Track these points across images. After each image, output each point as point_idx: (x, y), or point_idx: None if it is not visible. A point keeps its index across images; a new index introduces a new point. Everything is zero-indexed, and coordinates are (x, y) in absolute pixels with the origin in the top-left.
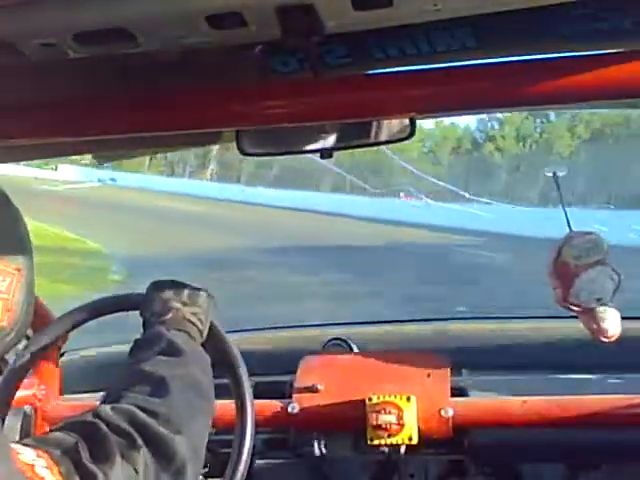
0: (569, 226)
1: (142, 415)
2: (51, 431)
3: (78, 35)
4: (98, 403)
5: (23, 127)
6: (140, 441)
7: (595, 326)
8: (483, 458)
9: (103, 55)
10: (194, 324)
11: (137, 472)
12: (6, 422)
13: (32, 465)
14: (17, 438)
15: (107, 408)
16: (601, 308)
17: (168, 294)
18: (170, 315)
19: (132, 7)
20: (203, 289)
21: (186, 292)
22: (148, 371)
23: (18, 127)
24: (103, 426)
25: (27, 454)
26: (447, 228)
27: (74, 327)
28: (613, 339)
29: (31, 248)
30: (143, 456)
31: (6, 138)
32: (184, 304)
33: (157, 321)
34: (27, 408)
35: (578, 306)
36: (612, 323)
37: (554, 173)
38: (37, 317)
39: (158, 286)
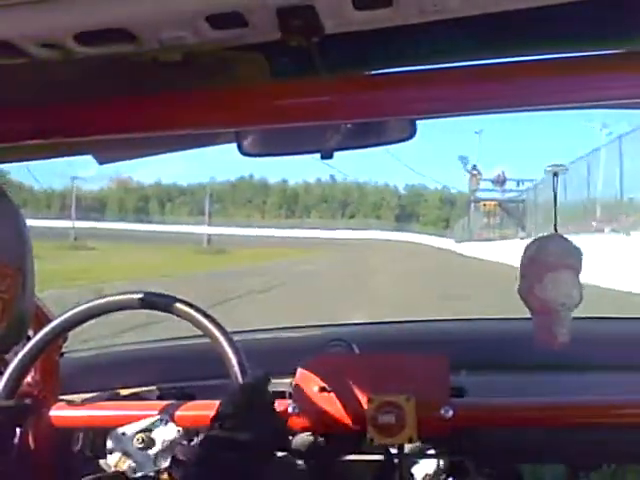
0: (555, 228)
1: None
2: None
3: (78, 35)
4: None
5: (23, 127)
6: None
7: (548, 328)
8: (483, 458)
9: (103, 55)
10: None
11: None
12: (6, 422)
13: None
14: (16, 439)
15: None
16: (562, 313)
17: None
18: None
19: (132, 7)
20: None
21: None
22: None
23: (18, 127)
24: None
25: None
26: None
27: (74, 327)
28: (556, 347)
29: (31, 248)
30: None
31: (6, 138)
32: None
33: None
34: (27, 408)
35: (540, 303)
36: (565, 331)
37: (554, 173)
38: (37, 317)
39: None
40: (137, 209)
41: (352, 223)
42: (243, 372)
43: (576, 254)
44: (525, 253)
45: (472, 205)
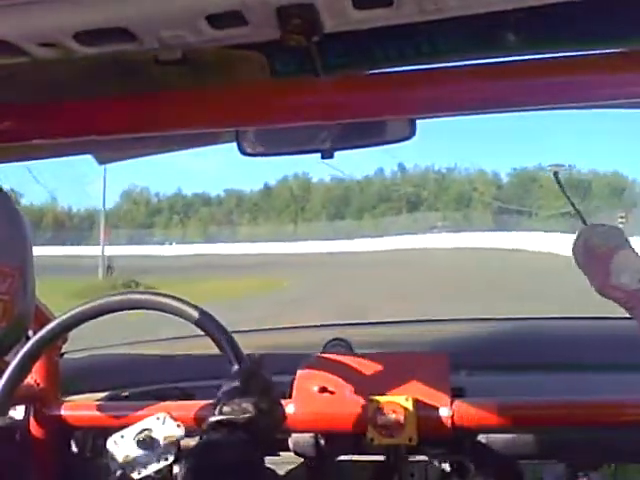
0: (584, 221)
1: None
2: None
3: (78, 35)
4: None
5: (23, 127)
6: None
7: None
8: (483, 458)
9: (103, 55)
10: None
11: None
12: (6, 422)
13: None
14: (17, 439)
15: None
16: None
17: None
18: None
19: (132, 7)
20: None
21: None
22: None
23: (18, 127)
24: None
25: None
26: None
27: (74, 327)
28: None
29: (32, 249)
30: None
31: (6, 138)
32: None
33: None
34: (27, 408)
35: (622, 290)
36: None
37: (555, 173)
38: (37, 317)
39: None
40: (142, 225)
41: (415, 226)
42: (239, 358)
43: (616, 232)
44: (578, 253)
45: None
